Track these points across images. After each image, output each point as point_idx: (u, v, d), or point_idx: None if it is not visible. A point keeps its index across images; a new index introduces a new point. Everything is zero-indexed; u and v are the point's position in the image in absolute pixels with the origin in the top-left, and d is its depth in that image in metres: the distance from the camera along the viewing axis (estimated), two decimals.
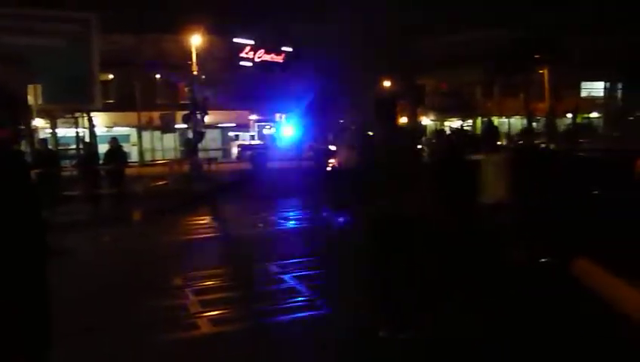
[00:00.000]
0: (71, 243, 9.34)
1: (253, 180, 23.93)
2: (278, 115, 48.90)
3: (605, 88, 47.15)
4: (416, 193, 4.70)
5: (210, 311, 5.75)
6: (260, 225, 11.67)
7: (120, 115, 37.13)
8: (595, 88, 48.08)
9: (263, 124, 48.21)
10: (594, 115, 46.92)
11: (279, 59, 48.41)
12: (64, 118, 21.49)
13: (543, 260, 7.11)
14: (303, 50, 47.71)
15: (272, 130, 48.85)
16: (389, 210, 4.67)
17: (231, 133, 44.70)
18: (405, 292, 4.64)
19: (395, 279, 4.63)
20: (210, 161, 26.48)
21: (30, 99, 14.74)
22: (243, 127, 44.79)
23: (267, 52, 47.17)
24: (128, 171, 15.32)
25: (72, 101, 18.75)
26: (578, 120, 43.94)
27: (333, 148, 24.31)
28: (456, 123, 46.67)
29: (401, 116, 54.92)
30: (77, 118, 20.30)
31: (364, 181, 5.17)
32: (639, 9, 38.57)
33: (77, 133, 20.25)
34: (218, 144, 42.30)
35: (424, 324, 4.73)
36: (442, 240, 6.07)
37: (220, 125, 41.42)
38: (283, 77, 44.55)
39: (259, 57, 46.61)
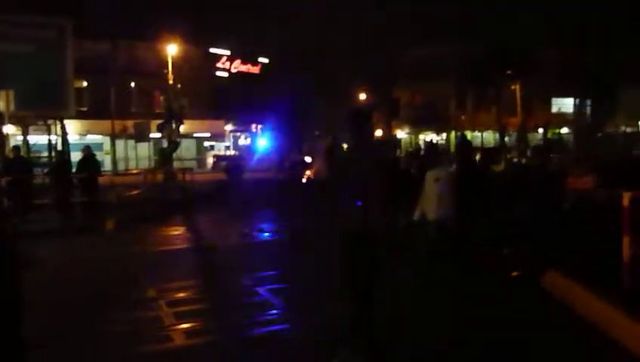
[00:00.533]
0: (41, 253, 9.17)
1: (227, 191, 23.83)
2: (253, 126, 48.88)
3: (575, 104, 48.28)
4: (377, 208, 4.67)
5: (184, 323, 5.71)
6: (234, 236, 11.62)
7: (93, 123, 36.63)
8: (565, 104, 49.21)
9: (238, 134, 48.11)
10: (564, 130, 47.96)
11: (255, 70, 48.57)
12: (36, 124, 21.15)
13: (515, 273, 7.22)
14: (278, 62, 47.94)
15: (248, 141, 48.78)
16: (352, 225, 4.67)
17: (206, 143, 44.46)
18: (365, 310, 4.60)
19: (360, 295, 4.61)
20: (184, 170, 26.22)
21: (2, 105, 14.47)
22: (218, 137, 44.60)
23: (243, 62, 47.30)
24: (101, 180, 15.08)
25: (45, 107, 18.47)
26: (549, 135, 44.88)
27: (308, 159, 24.43)
28: (430, 136, 47.21)
29: (376, 128, 55.36)
30: (49, 125, 19.99)
31: (329, 193, 5.22)
32: (606, 29, 39.78)
33: (49, 140, 19.92)
34: (193, 154, 42.01)
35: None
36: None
37: (195, 135, 41.16)
38: (259, 87, 44.61)
39: (235, 68, 46.70)
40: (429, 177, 7.45)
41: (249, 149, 44.54)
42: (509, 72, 37.97)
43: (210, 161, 41.96)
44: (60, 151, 17.61)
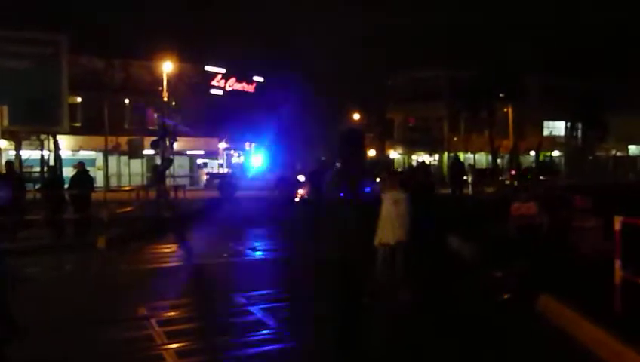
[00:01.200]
0: (32, 270, 9.11)
1: (220, 209, 23.76)
2: (247, 144, 48.93)
3: (566, 128, 48.87)
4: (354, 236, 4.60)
5: (175, 343, 5.66)
6: (226, 254, 11.57)
7: (86, 139, 36.51)
8: (556, 127, 49.79)
9: (231, 152, 48.12)
10: (555, 153, 48.41)
11: (250, 88, 48.78)
12: (29, 140, 21.11)
13: (506, 296, 7.23)
14: (273, 81, 48.22)
15: (241, 159, 48.79)
16: (334, 251, 4.62)
17: (199, 161, 44.41)
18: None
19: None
20: (177, 188, 26.19)
21: None
22: (212, 154, 44.59)
23: (238, 81, 47.50)
24: (94, 196, 15.00)
25: (38, 123, 18.47)
26: (540, 158, 45.25)
27: (301, 178, 24.43)
28: (423, 157, 47.46)
29: (370, 149, 55.62)
30: (42, 140, 19.96)
31: (315, 216, 5.22)
32: (594, 57, 40.53)
33: (42, 155, 19.87)
34: (186, 171, 41.94)
35: None
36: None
37: (188, 152, 41.14)
38: (253, 106, 44.79)
39: (230, 86, 46.88)
40: (386, 199, 7.33)
41: (242, 167, 44.53)
42: (501, 95, 38.40)
43: (203, 178, 41.86)
44: (51, 167, 17.58)
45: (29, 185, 19.59)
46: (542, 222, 8.34)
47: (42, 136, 19.91)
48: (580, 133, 47.06)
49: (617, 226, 5.84)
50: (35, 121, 18.30)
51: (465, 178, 26.37)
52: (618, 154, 47.58)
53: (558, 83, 44.07)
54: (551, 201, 11.27)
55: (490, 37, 46.38)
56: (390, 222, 7.28)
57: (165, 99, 25.81)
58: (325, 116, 48.00)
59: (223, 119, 41.34)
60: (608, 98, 42.59)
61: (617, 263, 5.79)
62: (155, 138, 22.57)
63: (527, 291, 7.01)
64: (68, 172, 20.76)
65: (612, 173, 39.70)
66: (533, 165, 42.47)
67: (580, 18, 52.97)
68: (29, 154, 21.14)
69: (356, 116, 57.27)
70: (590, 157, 45.76)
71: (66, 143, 29.95)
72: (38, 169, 21.07)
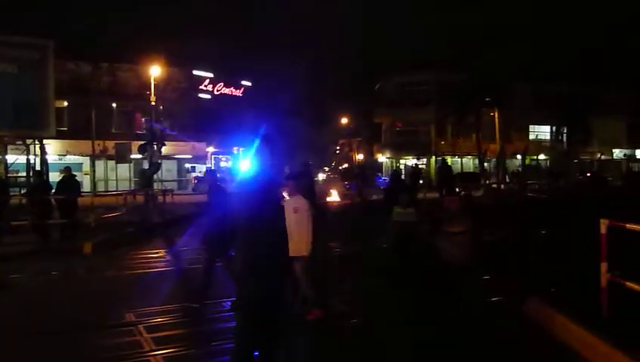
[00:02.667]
0: (17, 276, 9.02)
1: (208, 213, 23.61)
2: (235, 148, 48.83)
3: (551, 132, 49.38)
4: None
5: (163, 349, 5.63)
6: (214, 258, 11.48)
7: (73, 143, 36.26)
8: (542, 131, 50.27)
9: (219, 156, 47.97)
10: (541, 156, 48.82)
11: (238, 92, 48.72)
12: (14, 144, 20.89)
13: (495, 298, 7.27)
14: (261, 85, 48.24)
15: (229, 163, 48.63)
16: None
17: (187, 165, 44.23)
18: None
19: None
20: (165, 192, 26.07)
21: None
22: (200, 158, 44.42)
23: (226, 85, 47.43)
24: (81, 201, 14.88)
25: (24, 128, 18.28)
26: (527, 161, 45.60)
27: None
28: (411, 161, 47.66)
29: (358, 153, 55.73)
30: (28, 144, 19.76)
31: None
32: (579, 63, 41.06)
33: (28, 160, 19.67)
34: (174, 175, 41.74)
35: None
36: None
37: (176, 156, 40.95)
38: (241, 110, 44.72)
39: (218, 90, 46.78)
40: (286, 207, 6.46)
41: (230, 171, 44.38)
42: (487, 99, 38.66)
43: (191, 182, 41.67)
44: (37, 172, 17.40)
45: (15, 190, 19.41)
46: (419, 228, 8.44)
47: (28, 141, 19.70)
48: (565, 137, 47.57)
49: (603, 229, 5.90)
50: (22, 125, 18.13)
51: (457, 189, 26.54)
52: (603, 157, 48.11)
53: (543, 87, 44.54)
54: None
55: (477, 42, 46.85)
56: (290, 233, 6.63)
57: (153, 103, 25.62)
58: (314, 120, 48.08)
59: (211, 123, 41.23)
60: (592, 102, 43.19)
61: (603, 266, 5.85)
62: (142, 142, 22.49)
63: (515, 294, 7.05)
64: (55, 177, 20.61)
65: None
66: (520, 169, 42.84)
67: (565, 24, 53.64)
68: (15, 158, 20.90)
69: (344, 120, 57.46)
70: (575, 161, 46.21)
71: (52, 148, 29.68)
72: (24, 174, 20.85)
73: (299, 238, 6.35)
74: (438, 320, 6.62)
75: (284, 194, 6.62)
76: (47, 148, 21.47)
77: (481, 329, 6.26)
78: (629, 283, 5.51)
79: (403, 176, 31.71)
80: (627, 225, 5.73)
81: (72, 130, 36.30)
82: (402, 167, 45.93)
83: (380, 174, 47.93)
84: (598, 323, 5.42)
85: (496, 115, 38.74)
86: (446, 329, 6.26)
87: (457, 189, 27.26)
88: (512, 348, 5.67)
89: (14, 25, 22.45)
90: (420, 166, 43.84)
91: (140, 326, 6.41)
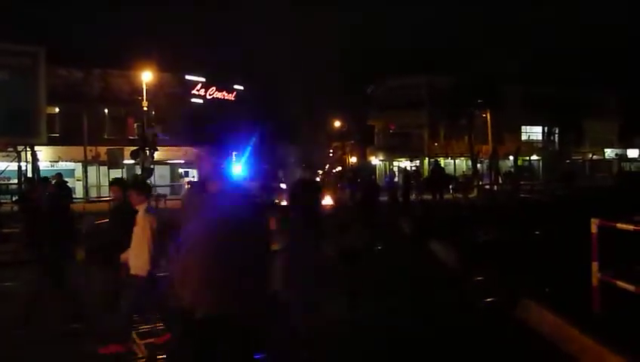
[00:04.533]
0: (10, 284, 8.96)
1: None
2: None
3: (543, 132, 49.63)
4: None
5: (157, 356, 5.60)
6: None
7: (65, 149, 36.11)
8: (534, 132, 50.52)
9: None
10: (534, 157, 49.03)
11: (230, 96, 48.69)
12: (5, 151, 20.80)
13: (488, 300, 7.29)
14: (253, 89, 48.24)
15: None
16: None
17: (180, 170, 44.13)
18: None
19: None
20: (158, 197, 26.00)
21: None
22: (193, 163, 44.29)
23: (219, 89, 47.39)
24: (73, 207, 14.79)
25: (15, 134, 18.20)
26: (519, 162, 45.75)
27: (283, 186, 24.35)
28: (404, 163, 47.77)
29: (352, 156, 55.80)
30: (19, 151, 19.65)
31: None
32: (570, 65, 41.34)
33: (19, 167, 19.56)
34: (167, 181, 41.61)
35: None
36: None
37: (169, 162, 40.85)
38: (234, 114, 44.67)
39: (210, 95, 46.74)
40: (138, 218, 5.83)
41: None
42: (479, 100, 38.82)
43: (184, 187, 41.56)
44: (29, 179, 17.32)
45: (7, 198, 19.30)
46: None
47: (19, 148, 19.60)
48: (557, 137, 47.84)
49: (594, 229, 5.93)
50: (12, 132, 18.04)
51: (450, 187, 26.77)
52: (595, 157, 48.40)
53: (535, 89, 44.77)
54: None
55: (468, 44, 47.07)
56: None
57: (145, 108, 25.58)
58: (307, 124, 48.09)
59: (204, 128, 41.15)
60: (584, 103, 43.50)
61: (594, 265, 5.88)
62: (135, 148, 22.45)
63: (507, 294, 7.08)
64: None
65: (588, 177, 40.35)
66: (512, 170, 42.98)
67: (555, 24, 54.01)
68: (6, 165, 20.80)
69: (337, 123, 57.53)
70: (567, 161, 46.46)
71: (44, 154, 29.57)
72: (15, 181, 20.75)
73: (134, 255, 5.79)
74: (429, 321, 6.64)
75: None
76: (39, 155, 21.36)
77: (473, 330, 6.28)
78: (620, 283, 5.55)
79: (396, 178, 31.84)
80: (617, 225, 5.77)
81: (64, 137, 36.16)
82: (395, 169, 46.05)
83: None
84: (589, 323, 5.45)
85: (489, 117, 38.89)
86: (436, 330, 6.28)
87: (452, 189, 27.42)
88: (503, 348, 5.69)
89: (4, 31, 22.33)
90: (413, 168, 44.02)
91: (133, 332, 6.36)
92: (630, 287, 5.38)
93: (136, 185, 6.19)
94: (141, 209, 5.89)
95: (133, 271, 5.83)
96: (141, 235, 5.71)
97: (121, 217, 6.49)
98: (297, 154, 43.82)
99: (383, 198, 22.99)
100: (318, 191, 4.73)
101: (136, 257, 5.76)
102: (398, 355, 5.59)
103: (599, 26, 51.28)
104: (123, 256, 6.05)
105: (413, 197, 24.74)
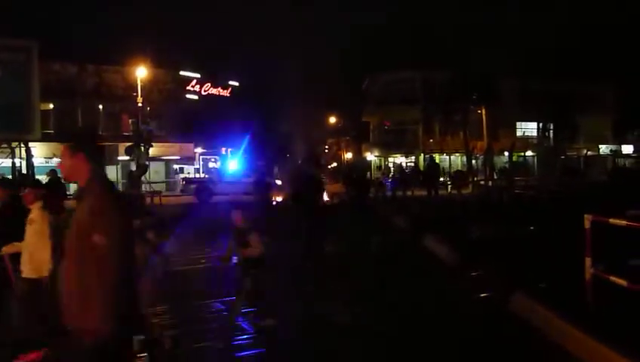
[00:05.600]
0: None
1: (197, 214, 23.57)
2: (223, 149, 48.72)
3: (538, 128, 49.73)
4: None
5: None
6: (204, 260, 11.46)
7: (60, 146, 35.85)
8: (529, 128, 50.63)
9: (208, 157, 47.82)
10: (529, 153, 49.15)
11: (226, 93, 48.61)
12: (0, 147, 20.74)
13: (483, 295, 7.32)
14: (248, 85, 48.19)
15: (218, 164, 48.51)
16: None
17: (175, 166, 44.05)
18: None
19: None
20: (153, 194, 25.97)
21: None
22: (188, 159, 44.24)
23: (214, 85, 47.30)
24: (67, 204, 14.76)
25: (9, 130, 18.13)
26: (514, 158, 45.82)
27: (279, 182, 24.37)
28: (399, 159, 47.81)
29: (347, 152, 55.80)
30: (13, 148, 19.59)
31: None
32: (564, 60, 41.44)
33: (13, 163, 19.50)
34: (162, 177, 41.53)
35: None
36: None
37: (164, 158, 40.78)
38: (229, 110, 44.62)
39: (205, 91, 46.64)
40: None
41: (219, 172, 44.25)
42: (474, 96, 38.87)
43: (179, 183, 41.53)
44: (22, 175, 17.28)
45: None
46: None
47: (13, 144, 19.52)
48: (551, 133, 47.96)
49: (587, 224, 5.96)
50: (6, 128, 17.97)
51: (441, 179, 26.78)
52: (589, 153, 48.54)
53: (529, 84, 44.84)
54: None
55: (462, 39, 47.09)
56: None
57: (140, 104, 25.52)
58: (301, 120, 48.07)
59: (199, 124, 41.11)
60: (578, 99, 43.61)
61: (587, 260, 5.91)
62: (129, 144, 22.41)
63: (501, 290, 7.11)
64: (41, 180, 20.42)
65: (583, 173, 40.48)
66: (507, 165, 43.05)
67: (548, 19, 54.06)
68: (0, 162, 20.73)
69: (332, 119, 57.50)
70: (562, 157, 46.58)
71: (38, 150, 29.47)
72: (10, 177, 20.67)
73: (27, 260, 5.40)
74: (423, 316, 6.66)
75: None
76: (34, 151, 21.31)
77: (467, 325, 6.31)
78: (612, 278, 5.58)
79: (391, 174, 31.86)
80: (610, 220, 5.80)
81: (59, 133, 36.05)
82: (391, 165, 46.06)
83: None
84: (582, 318, 5.48)
85: (484, 112, 38.96)
86: (431, 325, 6.31)
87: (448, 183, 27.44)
88: (497, 343, 5.71)
89: None
90: (410, 165, 44.07)
91: None
92: (622, 282, 5.41)
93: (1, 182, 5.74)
94: (35, 208, 5.53)
95: (26, 275, 5.43)
96: (35, 236, 5.33)
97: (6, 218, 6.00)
98: (295, 149, 43.79)
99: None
100: (321, 190, 4.82)
101: (30, 259, 5.35)
102: (394, 350, 5.61)
103: (593, 19, 51.35)
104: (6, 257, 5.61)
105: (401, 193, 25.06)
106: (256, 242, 5.99)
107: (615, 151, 52.03)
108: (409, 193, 25.79)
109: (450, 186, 29.76)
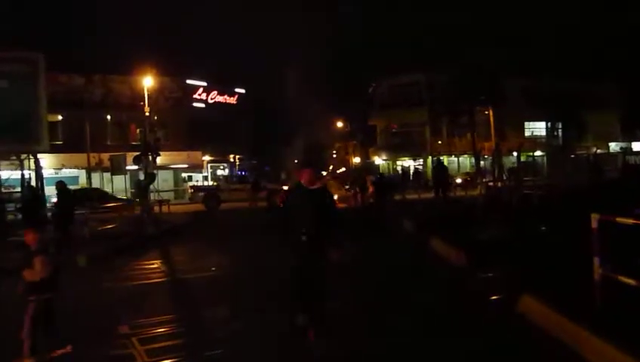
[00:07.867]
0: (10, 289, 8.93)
1: (204, 222, 23.63)
2: (231, 156, 48.85)
3: (546, 128, 49.45)
4: None
5: (158, 361, 5.58)
6: (213, 268, 11.43)
7: (69, 156, 36.29)
8: (537, 128, 50.34)
9: (216, 164, 47.95)
10: (537, 153, 48.86)
11: (232, 100, 48.76)
12: (8, 159, 20.84)
13: (494, 297, 7.24)
14: (255, 91, 48.34)
15: (226, 171, 48.64)
16: None
17: (184, 174, 44.20)
18: None
19: None
20: (161, 202, 26.06)
21: None
22: (196, 167, 44.40)
23: (220, 93, 47.46)
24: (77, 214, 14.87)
25: (18, 142, 18.21)
26: (522, 158, 45.53)
27: (286, 188, 24.37)
28: (407, 162, 47.70)
29: (354, 156, 55.72)
30: (22, 159, 19.67)
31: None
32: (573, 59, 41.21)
33: (22, 175, 19.58)
34: (170, 185, 41.70)
35: None
36: None
37: (172, 166, 40.94)
38: (236, 117, 44.75)
39: (212, 98, 46.81)
40: None
41: (227, 179, 44.35)
42: (482, 97, 38.70)
43: (187, 192, 41.65)
44: (31, 187, 17.35)
45: (11, 206, 19.34)
46: None
47: (22, 156, 19.60)
48: (560, 132, 47.67)
49: (594, 224, 5.88)
50: (15, 140, 18.05)
51: (450, 181, 26.67)
52: (599, 151, 48.18)
53: (536, 84, 44.62)
54: None
55: (468, 40, 46.95)
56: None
57: (147, 113, 25.58)
58: (308, 126, 48.13)
59: (206, 132, 41.26)
60: (584, 97, 43.34)
61: (596, 260, 5.83)
62: (137, 153, 22.45)
63: (510, 291, 7.03)
64: (51, 191, 20.55)
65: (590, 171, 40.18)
66: (515, 165, 42.78)
67: (556, 19, 53.84)
68: (10, 174, 20.84)
69: (339, 124, 57.50)
70: (572, 156, 46.25)
71: (47, 162, 29.69)
72: (19, 189, 20.78)
73: None
74: (433, 317, 6.60)
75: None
76: (42, 163, 21.37)
77: (477, 326, 6.24)
78: (621, 277, 5.49)
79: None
80: (617, 219, 5.72)
81: (67, 144, 36.37)
82: (399, 168, 45.99)
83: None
84: (591, 318, 5.40)
85: (491, 113, 38.78)
86: (441, 326, 6.25)
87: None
88: (506, 344, 5.65)
89: (3, 38, 22.40)
90: (417, 168, 43.93)
91: (133, 338, 6.36)
92: (631, 282, 5.33)
93: None
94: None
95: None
96: None
97: None
98: (300, 154, 43.80)
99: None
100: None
101: None
102: (403, 351, 5.55)
103: (600, 18, 51.03)
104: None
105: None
106: (41, 264, 5.73)
107: (625, 148, 51.58)
108: (416, 196, 25.71)
109: (458, 188, 29.55)
